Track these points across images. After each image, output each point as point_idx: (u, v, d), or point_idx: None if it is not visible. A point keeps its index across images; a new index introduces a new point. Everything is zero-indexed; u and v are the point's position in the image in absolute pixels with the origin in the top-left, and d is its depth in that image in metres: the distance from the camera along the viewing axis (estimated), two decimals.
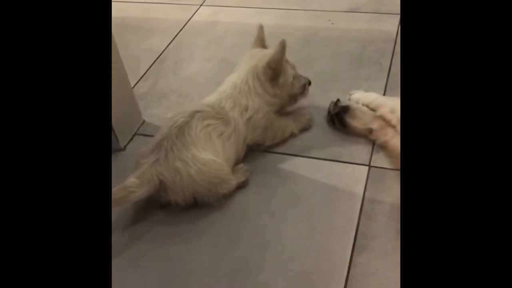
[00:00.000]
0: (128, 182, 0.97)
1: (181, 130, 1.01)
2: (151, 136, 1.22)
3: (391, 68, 1.36)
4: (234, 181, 1.04)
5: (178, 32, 1.66)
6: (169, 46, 1.60)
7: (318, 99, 1.28)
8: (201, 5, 1.80)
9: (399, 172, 1.05)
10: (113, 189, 0.95)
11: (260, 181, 1.09)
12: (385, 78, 1.33)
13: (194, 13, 1.76)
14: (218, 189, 1.01)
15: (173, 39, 1.63)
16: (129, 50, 1.55)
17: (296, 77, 1.14)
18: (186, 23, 1.71)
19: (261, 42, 1.16)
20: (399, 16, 1.57)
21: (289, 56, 1.13)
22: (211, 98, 1.10)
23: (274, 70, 1.08)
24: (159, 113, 1.33)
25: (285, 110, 1.19)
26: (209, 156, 1.00)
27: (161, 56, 1.56)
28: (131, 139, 1.26)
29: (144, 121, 1.31)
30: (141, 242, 1.01)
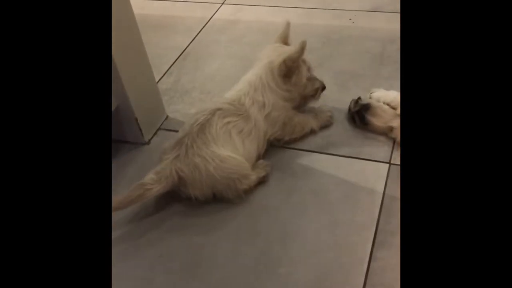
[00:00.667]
0: (146, 179, 1.01)
1: (202, 128, 1.03)
2: (175, 131, 1.25)
3: None
4: (254, 176, 1.06)
5: (200, 30, 1.69)
6: (192, 44, 1.63)
7: (339, 96, 1.29)
8: (223, 3, 1.83)
9: None
10: (130, 187, 0.99)
11: (281, 176, 1.11)
12: None
13: (216, 11, 1.78)
14: (237, 184, 1.03)
15: (195, 36, 1.66)
16: (152, 47, 1.56)
17: (311, 79, 1.15)
18: (208, 21, 1.74)
19: (284, 38, 1.18)
20: None
21: (308, 57, 1.14)
22: (231, 95, 1.12)
23: (289, 68, 1.10)
24: (182, 108, 1.36)
25: (304, 107, 1.21)
26: (227, 153, 1.02)
27: (183, 53, 1.59)
28: (155, 133, 1.29)
29: (167, 116, 1.34)
30: (162, 231, 1.04)
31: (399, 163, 1.10)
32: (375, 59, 1.43)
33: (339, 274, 0.91)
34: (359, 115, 1.18)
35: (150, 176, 1.00)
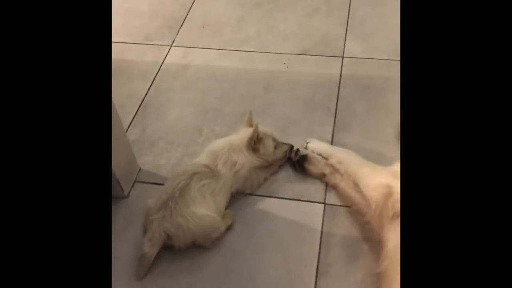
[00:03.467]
0: (145, 248, 1.28)
1: (182, 192, 1.31)
2: (149, 183, 1.52)
3: (337, 112, 1.70)
4: (223, 227, 1.35)
5: (155, 76, 1.91)
6: (149, 92, 1.85)
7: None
8: (171, 45, 2.04)
9: (348, 209, 1.40)
10: (140, 262, 1.29)
11: (243, 220, 1.41)
12: (333, 122, 1.67)
13: (167, 55, 2.00)
14: (212, 235, 1.33)
15: (151, 84, 1.88)
16: (114, 96, 1.78)
17: (278, 146, 1.46)
18: (161, 66, 1.95)
19: (249, 123, 1.48)
20: (341, 59, 1.90)
21: (269, 128, 1.48)
22: (206, 158, 1.40)
23: (254, 145, 1.39)
24: (152, 160, 1.60)
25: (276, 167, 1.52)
26: (204, 212, 1.31)
27: (143, 103, 1.80)
28: (132, 186, 1.53)
29: (140, 169, 1.57)
30: (153, 275, 1.31)
31: (332, 203, 1.44)
32: (307, 105, 1.74)
33: None
34: (299, 163, 1.51)
35: (147, 245, 1.27)
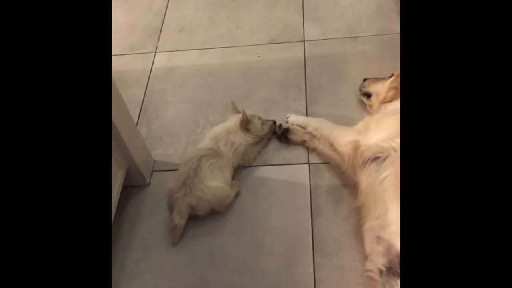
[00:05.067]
0: (176, 220, 1.60)
1: (195, 171, 1.63)
2: (165, 170, 1.84)
3: (307, 89, 2.05)
4: (233, 194, 1.70)
5: (148, 81, 2.20)
6: (146, 96, 2.15)
7: None
8: (155, 52, 2.33)
9: (327, 165, 1.76)
10: (173, 233, 1.62)
11: (247, 187, 1.76)
12: (304, 97, 2.01)
13: (153, 61, 2.29)
14: (225, 202, 1.67)
15: (146, 88, 2.18)
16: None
17: (264, 122, 1.80)
18: (151, 71, 2.25)
19: (235, 111, 1.81)
20: (303, 43, 2.23)
21: (253, 111, 1.81)
22: (209, 143, 1.72)
23: (245, 126, 1.73)
24: (162, 152, 1.92)
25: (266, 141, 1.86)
26: (216, 184, 1.64)
27: (143, 106, 2.11)
28: (151, 175, 1.85)
29: (154, 161, 1.89)
30: (186, 238, 1.65)
31: (314, 162, 1.79)
32: (282, 86, 2.08)
33: (296, 231, 1.61)
34: (283, 135, 1.85)
35: (176, 217, 1.60)
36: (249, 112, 1.77)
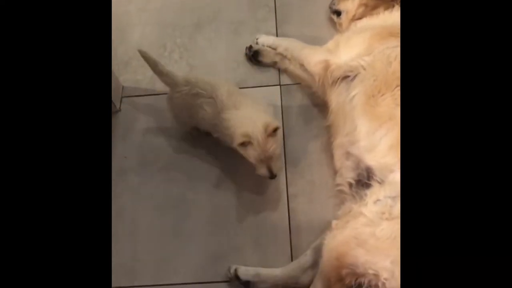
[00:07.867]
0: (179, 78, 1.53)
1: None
2: (134, 96, 1.82)
3: (276, 9, 2.00)
4: None
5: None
6: None
7: (238, 43, 1.91)
8: None
9: (298, 85, 1.78)
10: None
11: None
12: (274, 17, 1.98)
13: None
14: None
15: None
16: None
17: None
18: None
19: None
20: None
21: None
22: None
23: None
24: (130, 77, 1.88)
25: None
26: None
27: None
28: (120, 101, 1.83)
29: (123, 86, 1.86)
30: (162, 159, 1.68)
31: (285, 83, 1.81)
32: (250, 6, 2.02)
33: None
34: (254, 57, 1.84)
35: (181, 82, 1.52)
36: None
